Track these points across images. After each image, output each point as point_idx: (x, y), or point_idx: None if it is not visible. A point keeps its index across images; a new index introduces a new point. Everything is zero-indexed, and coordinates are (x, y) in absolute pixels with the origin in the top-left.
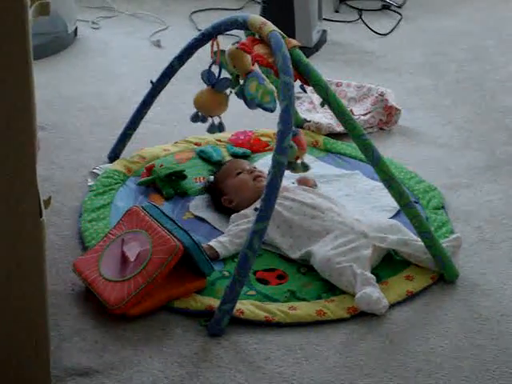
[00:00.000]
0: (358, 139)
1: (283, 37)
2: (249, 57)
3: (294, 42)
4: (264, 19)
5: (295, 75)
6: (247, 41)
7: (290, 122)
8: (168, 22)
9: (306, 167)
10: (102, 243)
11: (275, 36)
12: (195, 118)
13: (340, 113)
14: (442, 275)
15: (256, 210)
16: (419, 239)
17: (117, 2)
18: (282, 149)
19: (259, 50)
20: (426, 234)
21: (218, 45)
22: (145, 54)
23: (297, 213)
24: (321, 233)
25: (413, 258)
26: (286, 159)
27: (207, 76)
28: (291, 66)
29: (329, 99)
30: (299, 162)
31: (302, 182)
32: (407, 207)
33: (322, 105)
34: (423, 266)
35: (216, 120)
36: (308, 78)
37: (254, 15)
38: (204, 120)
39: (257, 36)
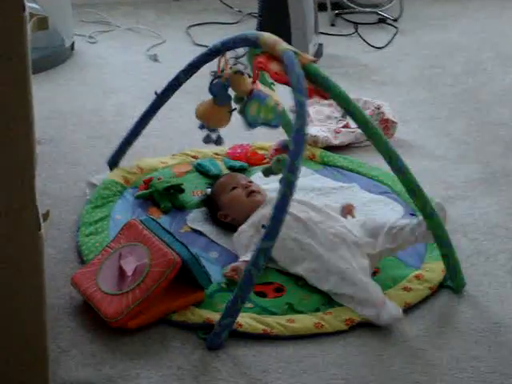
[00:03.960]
0: (383, 147)
1: (297, 53)
2: (247, 79)
3: (309, 57)
4: (276, 37)
5: (311, 92)
6: (263, 58)
7: (303, 142)
8: (165, 36)
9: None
10: (100, 257)
11: (289, 55)
12: (207, 139)
13: (363, 122)
14: (440, 286)
15: (263, 227)
16: (398, 221)
17: (113, 17)
18: (294, 169)
19: (274, 67)
20: (445, 243)
21: (225, 61)
22: (142, 68)
23: (290, 226)
24: (313, 245)
25: (405, 245)
26: (297, 179)
27: (213, 87)
28: (305, 85)
29: (351, 110)
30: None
31: (347, 210)
32: (431, 216)
33: (344, 116)
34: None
35: (214, 134)
36: (327, 91)
37: (267, 33)
38: (218, 142)
39: (257, 51)
